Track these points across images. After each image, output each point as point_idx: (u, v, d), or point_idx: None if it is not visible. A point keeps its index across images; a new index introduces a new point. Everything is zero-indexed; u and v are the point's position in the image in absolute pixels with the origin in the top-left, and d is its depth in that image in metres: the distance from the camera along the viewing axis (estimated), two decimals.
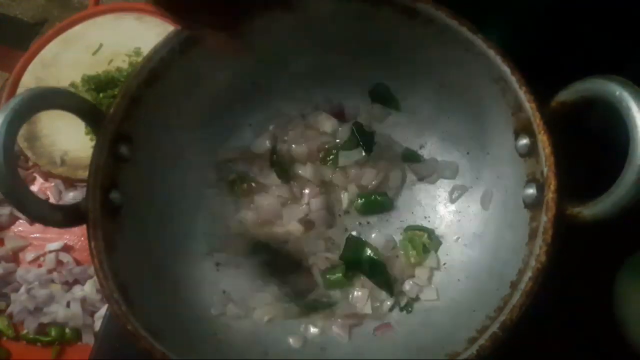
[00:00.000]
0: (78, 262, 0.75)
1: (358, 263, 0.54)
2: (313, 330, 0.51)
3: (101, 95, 0.81)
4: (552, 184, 0.40)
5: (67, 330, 0.71)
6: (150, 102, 0.48)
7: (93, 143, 0.46)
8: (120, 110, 0.46)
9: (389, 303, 0.52)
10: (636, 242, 0.52)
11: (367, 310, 0.52)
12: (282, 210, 0.56)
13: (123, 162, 0.47)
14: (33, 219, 0.44)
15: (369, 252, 0.54)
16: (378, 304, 0.52)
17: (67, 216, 0.44)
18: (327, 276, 0.54)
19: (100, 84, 0.81)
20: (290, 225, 0.56)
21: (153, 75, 0.48)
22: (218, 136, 0.58)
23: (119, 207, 0.46)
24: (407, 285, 0.53)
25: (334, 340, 0.51)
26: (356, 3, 0.49)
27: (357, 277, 0.54)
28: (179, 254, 0.52)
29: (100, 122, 0.46)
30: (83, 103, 0.45)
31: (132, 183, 0.48)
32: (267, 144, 0.58)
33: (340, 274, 0.53)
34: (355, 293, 0.53)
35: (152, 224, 0.50)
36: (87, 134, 0.79)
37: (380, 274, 0.53)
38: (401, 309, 0.52)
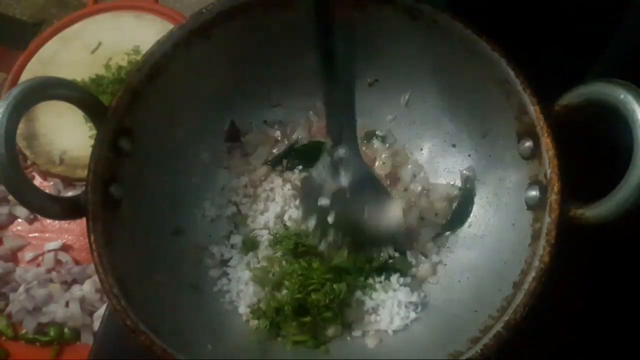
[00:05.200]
0: (77, 262, 0.75)
1: None
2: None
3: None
4: (555, 186, 0.41)
5: (66, 330, 0.70)
6: (152, 96, 0.48)
7: (92, 142, 0.45)
8: (123, 104, 0.46)
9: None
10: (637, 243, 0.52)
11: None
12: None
13: (123, 156, 0.47)
14: (32, 210, 0.43)
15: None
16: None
17: (66, 209, 0.43)
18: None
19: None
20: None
21: (155, 70, 0.48)
22: (219, 131, 0.58)
23: (119, 201, 0.46)
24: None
25: (334, 341, 0.51)
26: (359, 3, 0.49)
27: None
28: (179, 249, 0.53)
29: (102, 115, 0.46)
30: (85, 95, 0.45)
31: (132, 177, 0.48)
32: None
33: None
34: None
35: (151, 218, 0.50)
36: (90, 137, 0.78)
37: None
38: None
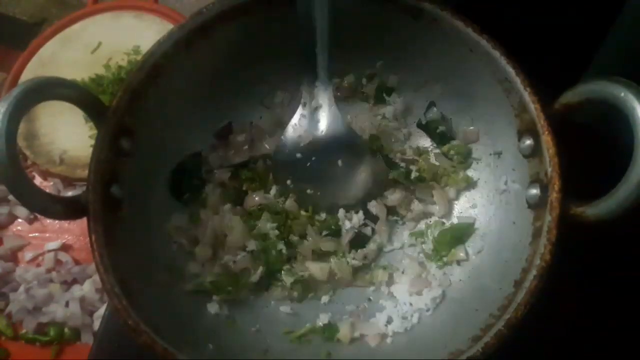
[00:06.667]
0: (77, 262, 0.75)
1: None
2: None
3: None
4: (556, 184, 0.41)
5: (66, 329, 0.71)
6: (152, 96, 0.48)
7: (92, 142, 0.45)
8: (123, 104, 0.46)
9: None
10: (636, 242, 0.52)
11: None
12: None
13: (124, 156, 0.47)
14: (33, 210, 0.43)
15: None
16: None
17: (67, 209, 0.43)
18: None
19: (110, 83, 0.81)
20: None
21: (155, 70, 0.48)
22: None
23: (120, 201, 0.46)
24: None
25: (337, 342, 0.51)
26: (361, 1, 0.49)
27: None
28: (180, 249, 0.52)
29: (102, 114, 0.45)
30: (85, 94, 0.45)
31: (132, 177, 0.48)
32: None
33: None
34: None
35: (152, 217, 0.50)
36: (90, 137, 0.79)
37: None
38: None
